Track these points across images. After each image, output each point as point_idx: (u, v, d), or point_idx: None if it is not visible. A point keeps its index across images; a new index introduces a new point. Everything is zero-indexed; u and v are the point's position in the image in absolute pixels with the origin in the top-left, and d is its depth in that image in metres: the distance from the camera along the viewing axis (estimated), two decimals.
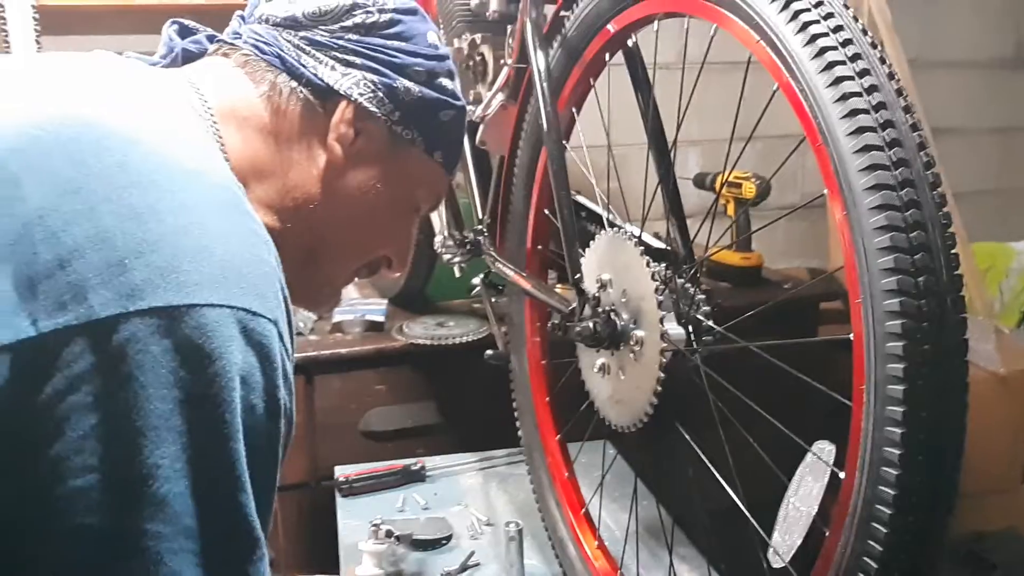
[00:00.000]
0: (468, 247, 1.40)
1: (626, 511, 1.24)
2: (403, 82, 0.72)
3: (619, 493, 1.33)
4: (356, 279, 0.82)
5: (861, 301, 0.65)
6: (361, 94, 0.71)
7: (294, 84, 0.70)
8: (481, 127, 1.27)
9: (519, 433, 1.28)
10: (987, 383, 2.06)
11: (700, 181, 2.02)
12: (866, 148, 0.64)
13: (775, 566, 0.79)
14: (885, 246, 0.63)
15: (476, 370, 1.64)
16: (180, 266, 0.48)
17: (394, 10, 0.75)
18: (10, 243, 0.47)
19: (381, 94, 0.71)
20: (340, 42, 0.71)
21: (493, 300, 1.39)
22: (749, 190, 1.87)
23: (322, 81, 0.70)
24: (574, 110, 1.10)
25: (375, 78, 0.71)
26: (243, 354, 0.49)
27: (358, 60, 0.71)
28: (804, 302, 1.97)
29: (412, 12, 0.77)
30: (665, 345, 0.88)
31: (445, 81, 0.76)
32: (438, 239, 1.43)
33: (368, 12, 0.73)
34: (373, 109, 0.71)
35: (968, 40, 2.73)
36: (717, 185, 1.92)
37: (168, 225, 0.49)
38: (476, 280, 1.38)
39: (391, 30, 0.74)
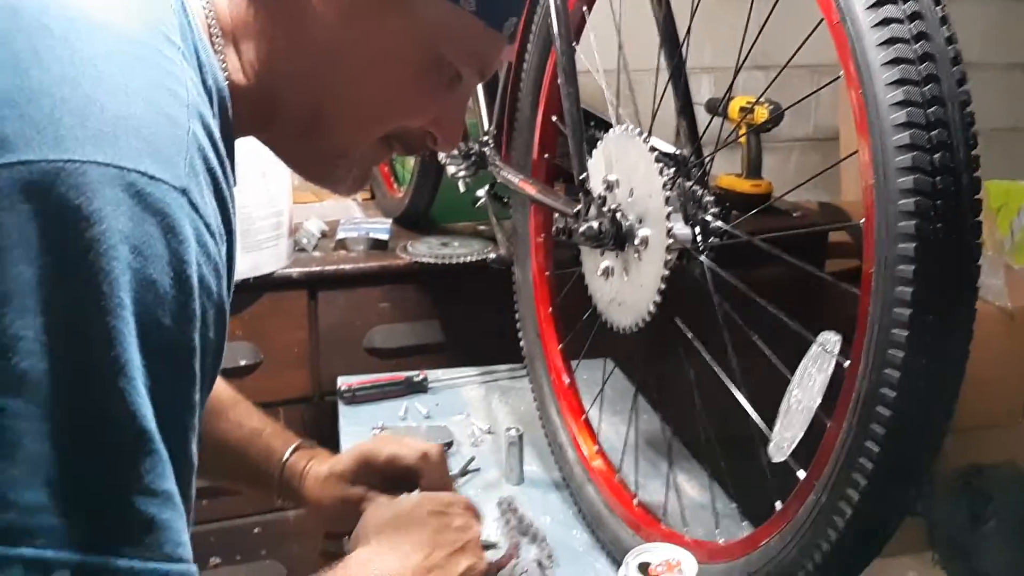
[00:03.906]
0: (473, 159, 1.38)
1: (625, 424, 1.24)
2: None
3: (619, 407, 1.33)
4: (395, 156, 0.74)
5: (874, 182, 0.63)
6: None
7: None
8: None
9: (521, 344, 1.28)
10: (994, 318, 2.05)
11: (712, 106, 1.98)
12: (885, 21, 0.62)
13: (775, 460, 0.79)
14: (901, 122, 0.61)
15: (480, 290, 1.64)
16: (61, 119, 0.43)
17: None
18: None
19: None
20: None
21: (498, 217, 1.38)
22: (761, 115, 1.83)
23: None
24: (584, 8, 1.07)
25: None
26: (134, 221, 0.43)
27: None
28: (813, 232, 1.95)
29: None
30: (671, 243, 0.86)
31: None
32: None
33: None
34: None
35: None
36: (730, 109, 1.89)
37: (52, 75, 0.44)
38: (481, 192, 1.37)
39: None
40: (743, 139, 1.96)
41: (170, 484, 0.46)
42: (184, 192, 0.47)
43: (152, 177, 0.45)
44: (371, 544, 0.79)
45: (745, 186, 1.95)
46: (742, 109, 1.88)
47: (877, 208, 0.63)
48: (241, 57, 0.64)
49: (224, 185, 0.53)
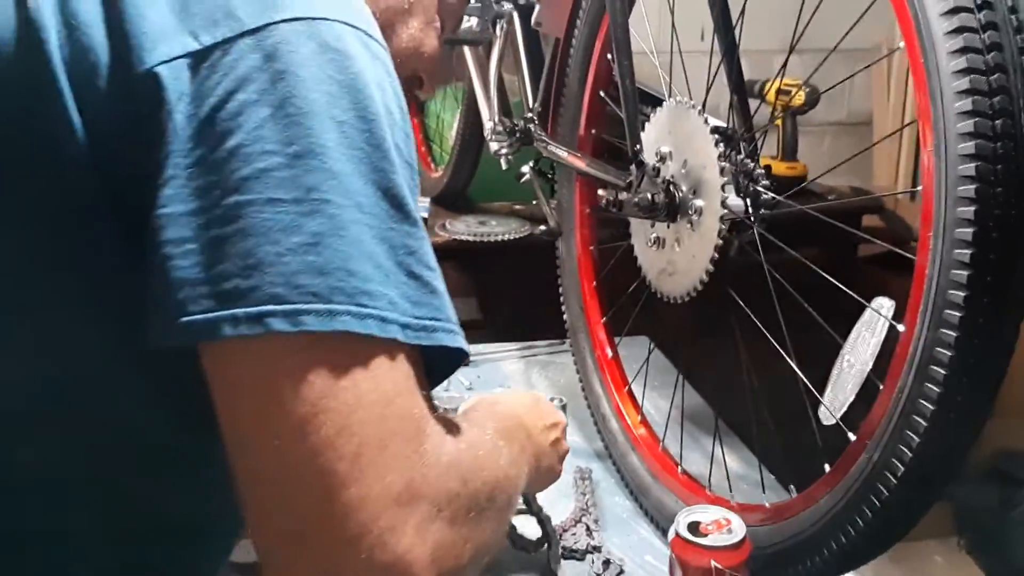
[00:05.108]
0: (518, 135, 1.40)
1: (666, 401, 1.27)
2: None
3: (658, 382, 1.35)
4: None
5: (933, 148, 0.65)
6: None
7: None
8: (537, 7, 1.26)
9: (564, 317, 1.30)
10: None
11: (749, 88, 1.99)
12: None
13: (826, 423, 0.81)
14: (963, 88, 0.63)
15: (517, 269, 1.66)
16: None
17: None
18: None
19: None
20: None
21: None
22: (799, 97, 1.84)
23: None
24: None
25: None
26: (371, 64, 0.54)
27: None
28: (847, 214, 1.96)
29: None
30: (725, 213, 0.89)
31: None
32: (487, 126, 1.43)
33: None
34: None
35: None
36: (766, 91, 1.90)
37: None
38: (525, 168, 1.39)
39: None
40: (779, 122, 1.97)
41: (437, 263, 0.55)
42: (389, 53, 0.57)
43: (372, 36, 0.55)
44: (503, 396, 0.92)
45: (781, 168, 1.96)
46: (779, 91, 1.89)
47: (936, 172, 0.65)
48: None
49: None
